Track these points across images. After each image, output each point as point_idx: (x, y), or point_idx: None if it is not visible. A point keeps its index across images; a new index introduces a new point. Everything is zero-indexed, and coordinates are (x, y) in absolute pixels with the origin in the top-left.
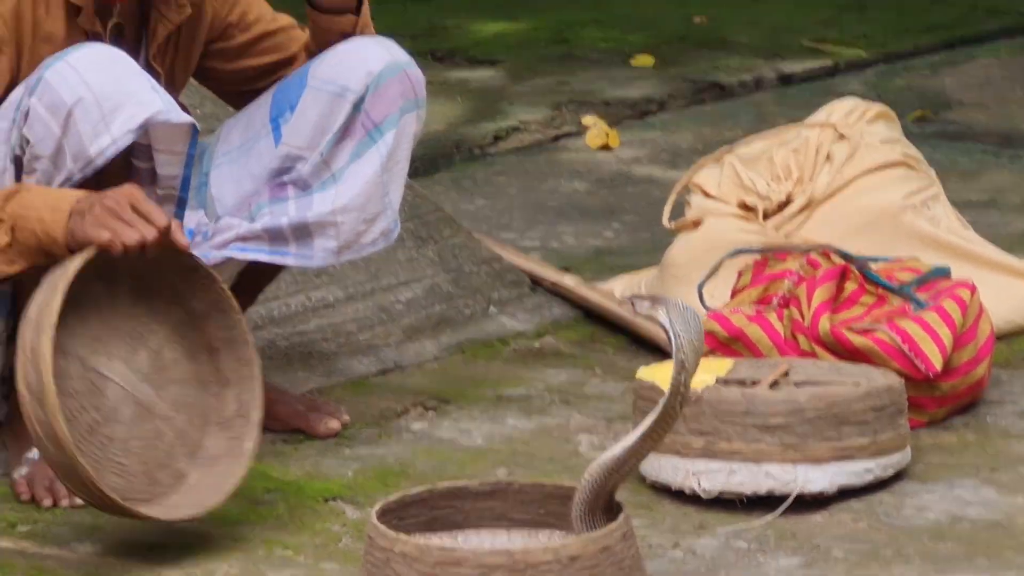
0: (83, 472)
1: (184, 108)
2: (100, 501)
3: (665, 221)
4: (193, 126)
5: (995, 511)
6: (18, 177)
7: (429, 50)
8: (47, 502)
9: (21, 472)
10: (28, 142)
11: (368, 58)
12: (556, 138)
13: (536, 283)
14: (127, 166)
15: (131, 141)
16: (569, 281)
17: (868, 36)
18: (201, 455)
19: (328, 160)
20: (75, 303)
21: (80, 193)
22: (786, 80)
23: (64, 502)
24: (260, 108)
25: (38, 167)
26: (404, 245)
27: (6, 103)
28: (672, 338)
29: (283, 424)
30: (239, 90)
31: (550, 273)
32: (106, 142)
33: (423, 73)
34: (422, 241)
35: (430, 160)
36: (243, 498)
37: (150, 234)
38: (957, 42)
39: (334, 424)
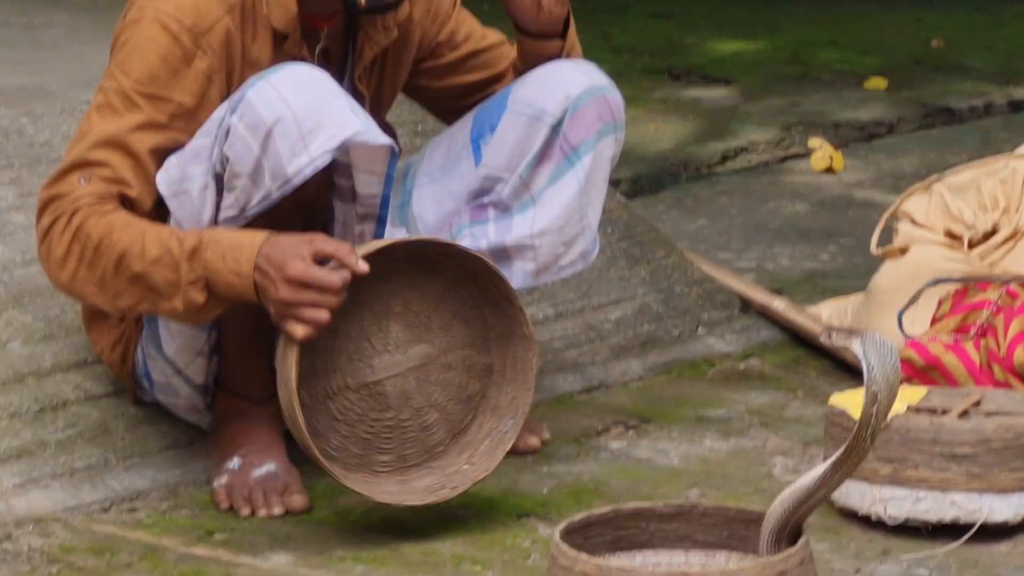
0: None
1: (388, 127)
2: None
3: (873, 248)
4: (391, 148)
5: None
6: (219, 193)
7: (667, 67)
8: (245, 511)
9: (221, 481)
10: (228, 160)
11: (566, 82)
12: (783, 159)
13: (746, 304)
14: (328, 183)
15: (328, 161)
16: (778, 304)
17: None
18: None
19: (527, 183)
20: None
21: (254, 249)
22: (1016, 107)
23: (262, 512)
24: (462, 128)
25: (237, 184)
26: (616, 264)
27: (210, 120)
28: (866, 370)
29: None
30: (449, 106)
31: (760, 295)
32: (304, 162)
33: (658, 91)
34: (635, 261)
35: (656, 179)
36: (436, 512)
37: (328, 303)
38: None
39: (533, 441)
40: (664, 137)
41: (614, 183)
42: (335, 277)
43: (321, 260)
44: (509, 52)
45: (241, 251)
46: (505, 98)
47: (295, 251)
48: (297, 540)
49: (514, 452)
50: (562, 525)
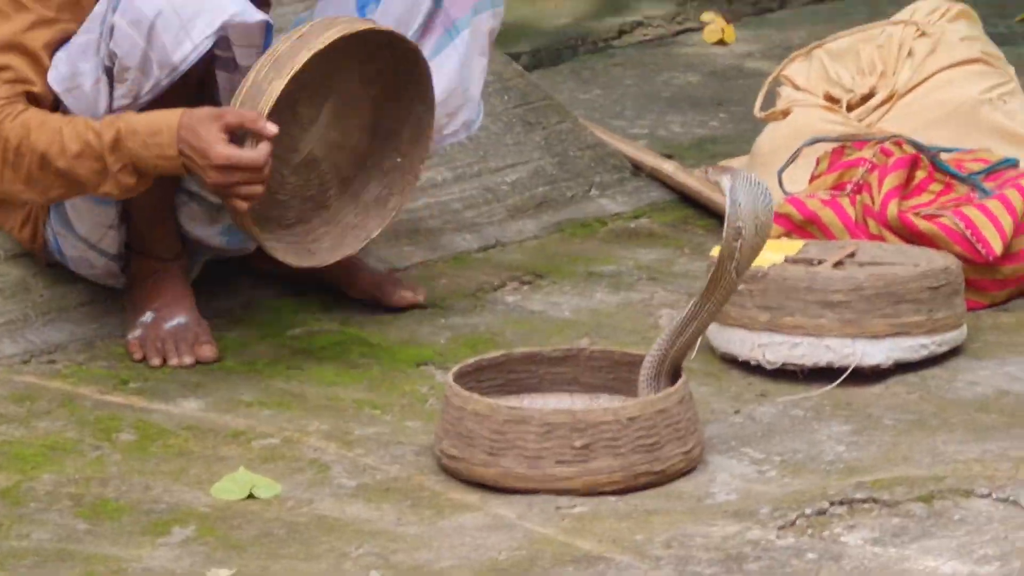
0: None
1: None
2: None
3: (756, 111)
4: (267, 23)
5: None
6: (111, 84)
7: None
8: (156, 361)
9: (135, 334)
10: (116, 55)
11: None
12: (677, 33)
13: (637, 168)
14: (211, 56)
15: (210, 45)
16: (668, 167)
17: None
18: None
19: None
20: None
21: (173, 134)
22: None
23: (173, 361)
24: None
25: (128, 77)
26: (513, 130)
27: (91, 17)
28: (729, 203)
29: (364, 293)
30: None
31: (650, 158)
32: (188, 49)
33: None
34: (530, 126)
35: (555, 52)
36: (339, 361)
37: (259, 179)
38: None
39: (408, 295)
40: (563, 13)
41: (514, 56)
42: (258, 156)
43: (233, 131)
44: None
45: (161, 136)
46: None
47: (211, 135)
48: (207, 388)
49: (390, 305)
50: (456, 368)
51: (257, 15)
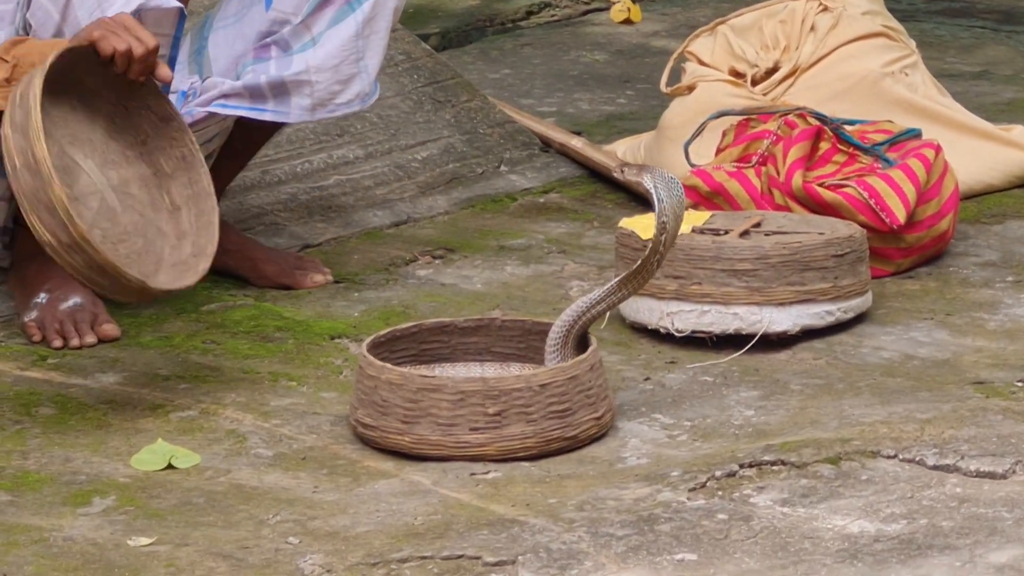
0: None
1: None
2: (92, 263)
3: (662, 86)
4: (180, 10)
5: (944, 351)
6: None
7: None
8: (57, 343)
9: (31, 316)
10: (31, 26)
11: None
12: (584, 13)
13: (547, 144)
14: None
15: None
16: (576, 142)
17: None
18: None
19: (308, 24)
20: (56, 107)
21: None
22: None
23: (74, 342)
24: None
25: None
26: (423, 108)
27: None
28: (656, 203)
29: (271, 281)
30: None
31: (559, 135)
32: None
33: None
34: (440, 104)
35: (464, 32)
36: (254, 335)
37: (138, 48)
38: None
39: (319, 278)
40: None
41: (424, 37)
42: (150, 36)
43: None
44: None
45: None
46: None
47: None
48: (124, 362)
49: (301, 289)
50: (369, 339)
51: (172, 1)
